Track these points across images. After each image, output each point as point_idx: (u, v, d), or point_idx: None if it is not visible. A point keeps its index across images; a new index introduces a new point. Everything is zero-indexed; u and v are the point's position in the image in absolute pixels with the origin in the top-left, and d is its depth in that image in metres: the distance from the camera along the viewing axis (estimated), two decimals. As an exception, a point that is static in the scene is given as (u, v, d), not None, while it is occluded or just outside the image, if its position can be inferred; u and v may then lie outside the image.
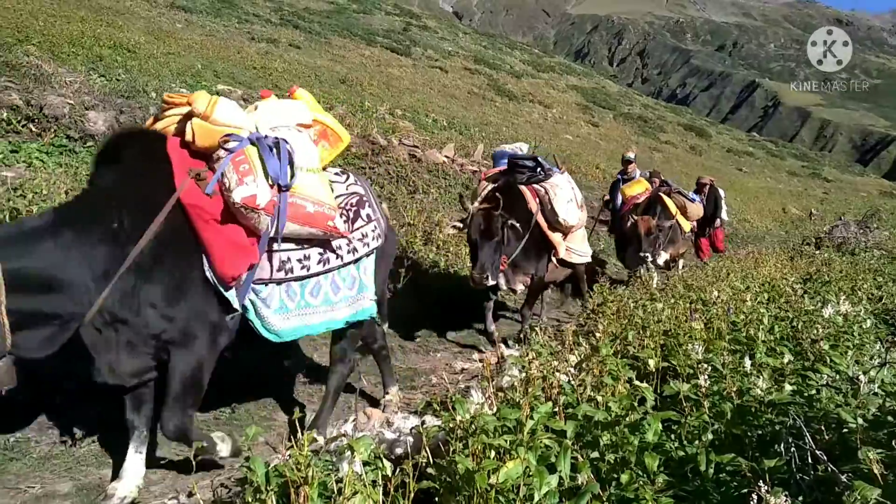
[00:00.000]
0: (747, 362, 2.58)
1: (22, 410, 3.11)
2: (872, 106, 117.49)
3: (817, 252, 12.05)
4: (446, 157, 11.76)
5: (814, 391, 2.48)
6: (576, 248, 6.00)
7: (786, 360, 2.78)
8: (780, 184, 38.16)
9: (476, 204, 5.21)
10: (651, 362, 2.95)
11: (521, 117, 29.22)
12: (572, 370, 2.68)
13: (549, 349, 2.85)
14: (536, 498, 1.76)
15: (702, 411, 2.32)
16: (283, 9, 34.12)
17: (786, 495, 1.36)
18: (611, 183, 10.92)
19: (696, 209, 9.53)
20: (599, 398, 2.26)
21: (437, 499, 2.02)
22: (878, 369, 2.26)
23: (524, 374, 2.45)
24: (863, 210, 21.58)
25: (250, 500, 1.60)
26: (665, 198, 8.84)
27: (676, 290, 4.90)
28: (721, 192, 12.05)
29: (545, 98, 37.14)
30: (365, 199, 3.52)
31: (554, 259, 5.79)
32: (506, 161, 6.01)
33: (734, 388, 2.46)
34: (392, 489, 1.78)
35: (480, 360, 4.93)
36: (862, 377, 2.19)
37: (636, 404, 2.26)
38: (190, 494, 2.58)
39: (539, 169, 5.77)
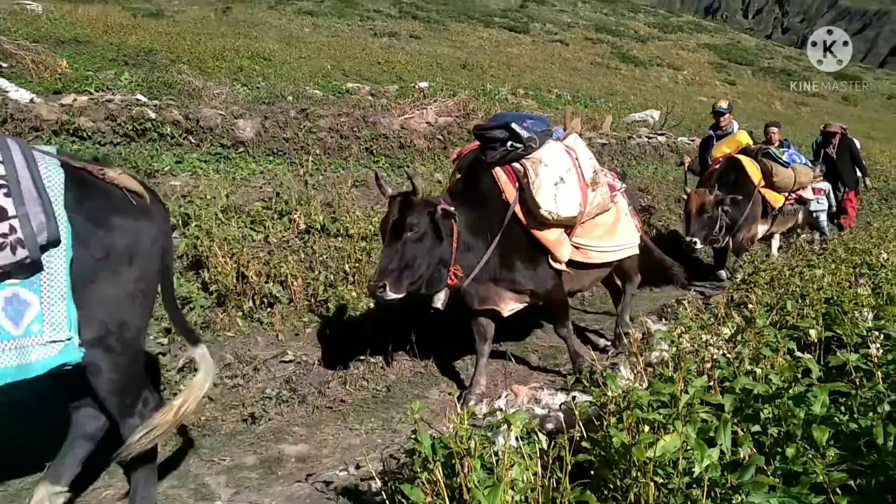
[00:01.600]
0: (926, 329, 2.37)
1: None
2: None
3: None
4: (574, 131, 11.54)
5: None
6: (597, 243, 4.35)
7: (973, 325, 2.52)
8: (955, 128, 33.76)
9: (391, 190, 3.81)
10: (812, 332, 2.77)
11: (650, 83, 27.96)
12: (725, 343, 2.59)
13: (699, 322, 2.77)
14: (697, 471, 1.74)
15: (875, 381, 2.18)
16: (402, 1, 34.85)
17: (981, 468, 1.27)
18: (701, 140, 9.10)
19: (787, 175, 7.10)
20: (758, 370, 2.18)
21: (592, 472, 2.05)
22: None
23: (674, 349, 2.41)
24: None
25: (419, 469, 1.72)
26: (745, 160, 6.97)
27: (836, 254, 4.54)
28: (857, 142, 10.11)
29: (674, 60, 35.26)
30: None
31: (558, 264, 4.07)
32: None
33: (912, 357, 2.27)
34: (549, 462, 1.83)
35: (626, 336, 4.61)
36: None
37: (799, 376, 2.16)
38: (358, 466, 2.79)
39: (516, 140, 3.93)
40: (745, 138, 7.37)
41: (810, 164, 7.89)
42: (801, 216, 8.07)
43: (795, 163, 7.25)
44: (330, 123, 7.95)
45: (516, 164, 3.99)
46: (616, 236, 4.50)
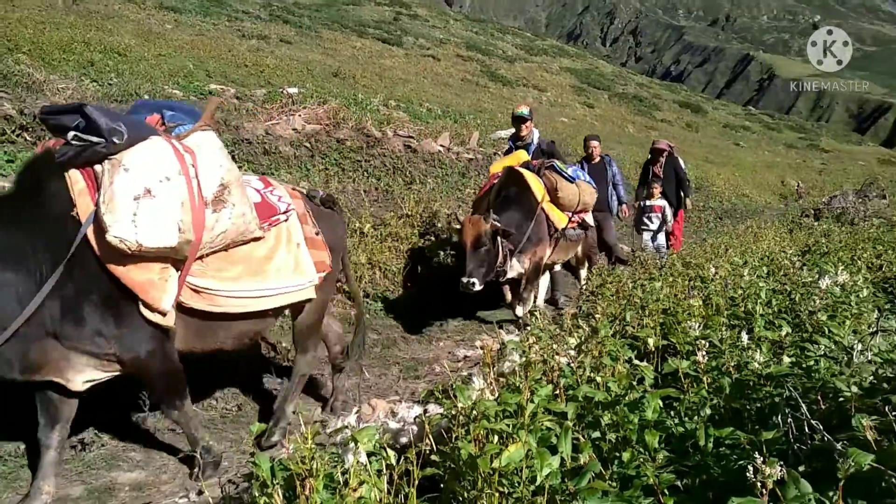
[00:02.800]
0: (745, 337, 2.60)
1: (32, 416, 3.15)
2: (868, 74, 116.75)
3: (816, 224, 12.05)
4: (442, 146, 11.74)
5: (812, 362, 2.51)
6: (231, 288, 3.04)
7: (784, 333, 2.80)
8: (777, 157, 38.10)
9: None
10: (650, 341, 2.98)
11: (516, 102, 29.11)
12: (572, 353, 2.71)
13: (548, 333, 2.88)
14: (539, 479, 1.79)
15: (701, 387, 2.35)
16: (272, 4, 33.99)
17: (781, 465, 1.39)
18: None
19: (572, 192, 6.08)
20: (599, 379, 2.29)
21: (441, 485, 2.06)
22: (871, 337, 2.28)
23: (524, 359, 2.48)
24: (862, 179, 21.54)
25: (258, 494, 1.63)
26: (527, 173, 5.87)
27: (675, 268, 4.92)
28: (682, 161, 9.62)
29: (539, 81, 37.04)
30: None
31: (157, 317, 2.81)
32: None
33: (732, 363, 2.48)
34: (396, 477, 1.81)
35: (482, 348, 4.70)
36: (857, 346, 2.22)
37: (635, 383, 2.29)
38: (200, 493, 2.62)
39: (93, 132, 2.67)
40: (525, 156, 6.31)
41: (594, 185, 6.94)
42: (580, 249, 6.91)
43: (580, 179, 6.41)
44: (188, 125, 7.52)
45: (98, 167, 2.72)
46: (267, 277, 3.19)
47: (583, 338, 2.81)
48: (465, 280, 5.00)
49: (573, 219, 6.21)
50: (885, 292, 4.75)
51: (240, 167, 7.46)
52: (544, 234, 5.86)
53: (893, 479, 1.42)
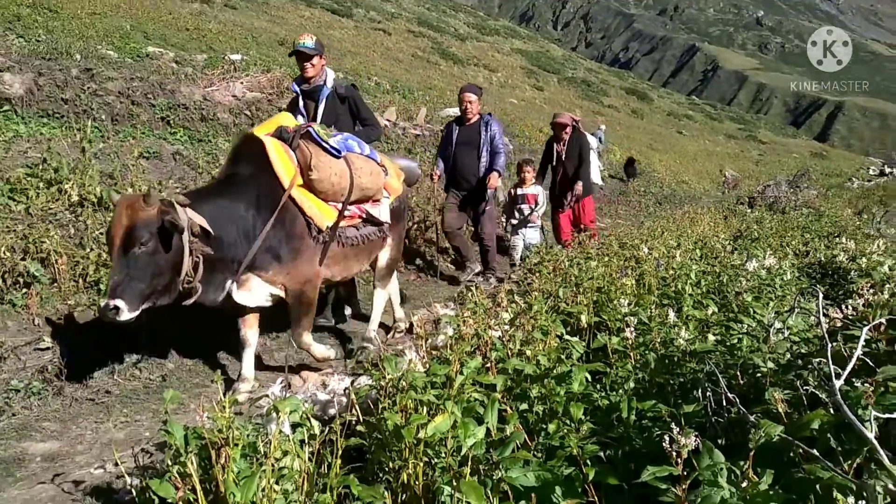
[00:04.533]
0: (672, 315, 2.65)
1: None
2: (805, 70, 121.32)
3: (750, 211, 12.49)
4: (388, 120, 11.61)
5: (735, 340, 2.59)
6: None
7: (710, 312, 2.88)
8: (717, 146, 39.30)
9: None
10: (583, 318, 3.02)
11: (466, 81, 29.01)
12: (506, 327, 2.72)
13: (483, 307, 2.87)
14: (464, 450, 1.78)
15: (627, 362, 2.39)
16: (217, -33, 32.71)
17: (696, 436, 1.42)
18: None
19: (335, 172, 3.78)
20: (529, 352, 2.30)
21: (368, 456, 2.04)
22: (789, 315, 2.36)
23: (457, 333, 2.47)
24: (795, 171, 22.41)
25: (170, 463, 1.57)
26: (272, 143, 3.62)
27: (612, 248, 5.00)
28: (592, 137, 8.38)
29: (490, 62, 37.00)
30: None
31: None
32: None
33: (659, 340, 2.53)
34: (319, 447, 1.77)
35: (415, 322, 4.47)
36: (776, 324, 2.29)
37: (565, 357, 2.31)
38: (116, 464, 2.52)
39: None
40: (289, 119, 4.05)
41: (374, 158, 4.28)
42: (383, 256, 4.52)
43: (354, 152, 4.05)
44: (120, 87, 7.19)
45: None
46: None
47: (517, 313, 2.82)
48: (105, 303, 2.81)
49: (351, 212, 3.97)
50: (809, 277, 4.95)
51: (174, 132, 7.24)
52: (300, 239, 3.61)
53: (800, 450, 1.47)
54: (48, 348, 3.39)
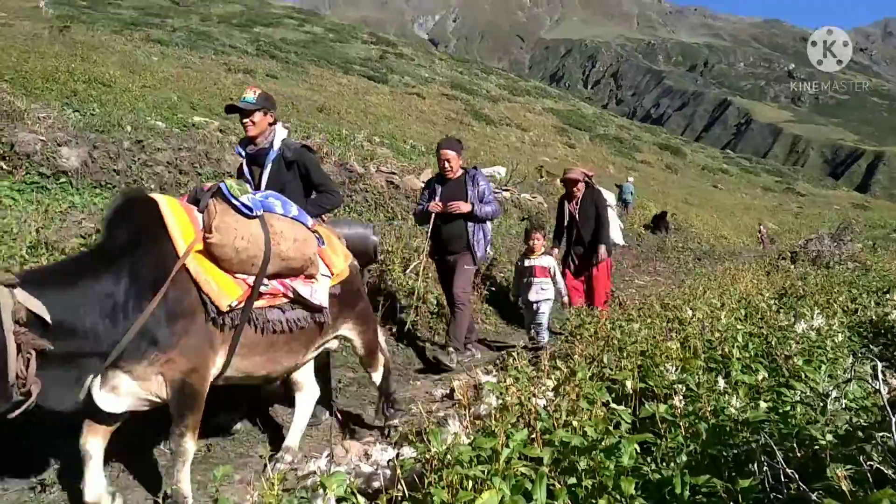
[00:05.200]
0: (721, 381, 2.59)
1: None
2: (841, 121, 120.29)
3: (793, 266, 12.21)
4: (423, 182, 11.81)
5: (788, 408, 2.50)
6: None
7: (760, 378, 2.79)
8: (755, 199, 38.87)
9: None
10: (628, 384, 2.96)
11: (499, 140, 29.53)
12: (550, 395, 2.68)
13: (525, 374, 2.84)
14: (513, 528, 1.74)
15: (677, 432, 2.33)
16: (259, 40, 34.40)
17: (756, 516, 1.37)
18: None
19: (240, 236, 2.96)
20: (575, 422, 2.25)
21: (414, 533, 2.00)
22: (846, 384, 2.28)
23: (501, 401, 2.44)
24: (836, 223, 21.96)
25: (221, 542, 1.57)
26: (165, 203, 2.95)
27: (653, 309, 4.93)
28: (608, 194, 7.36)
29: (522, 121, 37.65)
30: None
31: None
32: None
33: (709, 408, 2.46)
34: (366, 525, 1.75)
35: (455, 389, 4.22)
36: (833, 392, 2.22)
37: (612, 427, 2.26)
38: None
39: None
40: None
41: (304, 222, 3.38)
42: (357, 343, 3.88)
43: (275, 213, 3.23)
44: (168, 157, 7.51)
45: None
46: None
47: (560, 379, 2.79)
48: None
49: (271, 288, 3.14)
50: (861, 336, 4.78)
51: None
52: (188, 319, 2.82)
53: (869, 532, 1.40)
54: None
